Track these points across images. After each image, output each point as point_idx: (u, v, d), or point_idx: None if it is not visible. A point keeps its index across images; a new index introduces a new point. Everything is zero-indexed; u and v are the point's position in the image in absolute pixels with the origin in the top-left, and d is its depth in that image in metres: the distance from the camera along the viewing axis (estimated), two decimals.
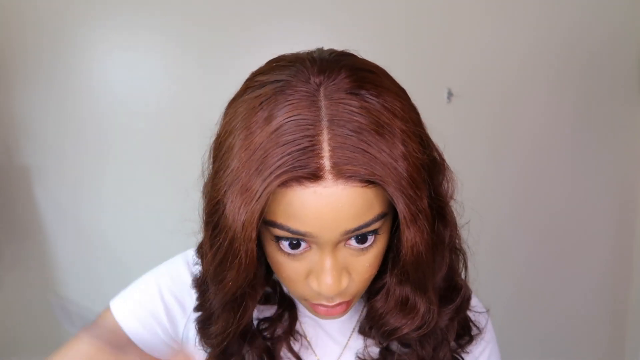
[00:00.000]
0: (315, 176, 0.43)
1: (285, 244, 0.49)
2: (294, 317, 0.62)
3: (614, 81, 1.68)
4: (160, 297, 0.62)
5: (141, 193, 1.60)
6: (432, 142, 0.53)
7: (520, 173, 1.71)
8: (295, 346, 0.62)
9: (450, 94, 1.58)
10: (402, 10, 1.54)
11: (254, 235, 0.45)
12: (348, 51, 0.52)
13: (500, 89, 1.63)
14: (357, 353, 0.62)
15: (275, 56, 0.52)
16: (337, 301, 0.52)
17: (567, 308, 1.83)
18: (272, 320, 0.61)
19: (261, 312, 0.62)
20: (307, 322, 0.63)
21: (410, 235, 0.46)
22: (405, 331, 0.54)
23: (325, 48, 0.53)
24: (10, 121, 1.53)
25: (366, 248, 0.49)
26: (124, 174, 1.58)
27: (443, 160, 0.54)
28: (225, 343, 0.56)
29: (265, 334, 0.61)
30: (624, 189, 1.78)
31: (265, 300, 0.61)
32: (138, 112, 1.55)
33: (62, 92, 1.51)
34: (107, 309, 0.62)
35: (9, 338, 1.69)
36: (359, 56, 0.52)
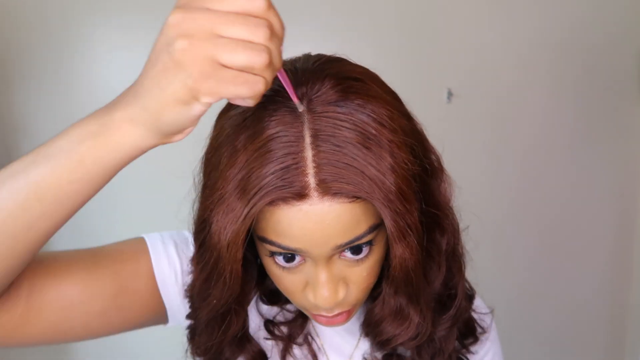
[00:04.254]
0: (300, 195, 0.42)
1: (279, 259, 0.48)
2: (305, 318, 0.62)
3: (614, 81, 1.68)
4: (179, 259, 0.60)
5: (140, 193, 1.60)
6: (429, 146, 0.52)
7: (520, 173, 1.71)
8: (310, 345, 0.62)
9: (450, 94, 1.58)
10: (402, 10, 1.54)
11: (239, 256, 0.45)
12: (336, 55, 0.51)
13: (500, 88, 1.63)
14: (364, 354, 0.62)
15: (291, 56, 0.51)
16: (337, 311, 0.51)
17: (567, 308, 1.83)
18: (286, 322, 0.62)
19: (276, 312, 0.62)
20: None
21: (398, 252, 0.45)
22: (399, 341, 0.54)
23: (318, 51, 0.51)
24: (10, 121, 1.53)
25: (362, 259, 0.49)
26: (123, 173, 1.58)
27: (441, 165, 0.53)
28: (210, 354, 0.56)
29: (278, 332, 0.61)
30: (624, 189, 1.78)
31: (279, 299, 0.61)
32: None
33: (63, 92, 1.51)
34: (140, 237, 0.61)
35: None
36: (349, 60, 0.50)
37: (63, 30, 1.48)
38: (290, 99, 0.43)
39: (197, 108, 0.37)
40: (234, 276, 0.46)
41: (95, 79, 1.51)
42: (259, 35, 0.34)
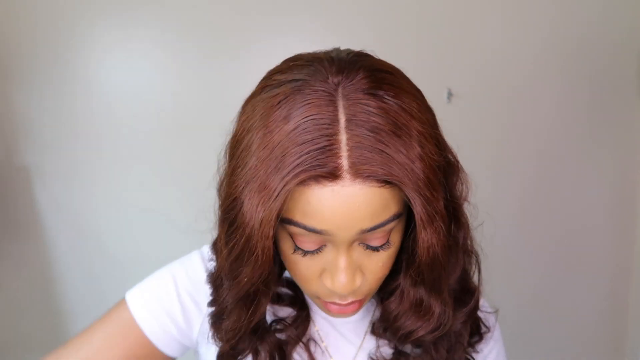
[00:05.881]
0: (333, 175, 0.43)
1: None
2: (307, 320, 0.63)
3: (615, 81, 1.68)
4: (177, 296, 0.62)
5: (141, 193, 1.60)
6: (446, 144, 0.53)
7: (520, 172, 1.71)
8: (311, 348, 0.62)
9: (450, 94, 1.58)
10: (402, 9, 1.54)
11: (271, 233, 0.45)
12: (365, 51, 0.52)
13: (500, 89, 1.63)
14: (369, 354, 0.62)
15: (291, 55, 0.52)
16: (350, 300, 0.52)
17: (568, 308, 1.83)
18: (285, 323, 0.62)
19: (276, 311, 0.63)
20: (321, 322, 0.64)
21: (427, 237, 0.46)
22: (420, 334, 0.54)
23: (342, 48, 0.53)
24: (10, 121, 1.53)
25: (380, 248, 0.50)
26: (124, 173, 1.59)
27: (457, 162, 0.54)
28: (237, 338, 0.57)
29: (278, 335, 0.61)
30: (626, 189, 1.78)
31: (280, 300, 0.62)
32: (138, 112, 1.55)
33: (62, 92, 1.51)
34: (123, 300, 0.62)
35: (7, 337, 1.69)
36: (376, 57, 0.52)
37: (62, 30, 1.48)
38: (324, 84, 0.44)
39: None
40: (266, 253, 0.46)
41: (94, 79, 1.52)
42: None
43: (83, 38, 1.49)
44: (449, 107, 1.59)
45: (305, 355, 0.62)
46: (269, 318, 0.62)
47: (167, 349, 0.61)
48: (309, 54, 0.51)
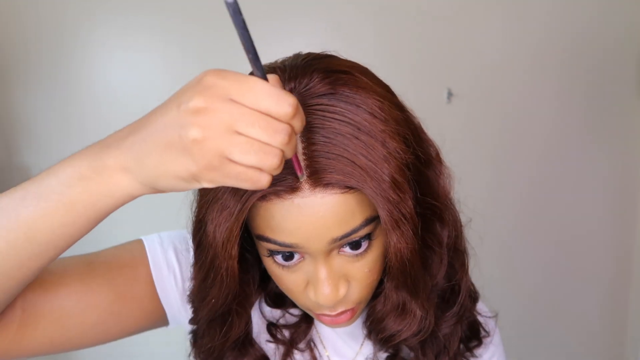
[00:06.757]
0: (291, 188, 0.42)
1: (278, 257, 0.48)
2: (310, 323, 0.62)
3: (614, 82, 1.68)
4: (173, 247, 0.60)
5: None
6: (425, 138, 0.51)
7: (520, 173, 1.71)
8: (312, 351, 0.62)
9: (450, 94, 1.58)
10: (402, 10, 1.54)
11: (234, 252, 0.45)
12: (327, 52, 0.51)
13: (500, 89, 1.63)
14: (366, 358, 0.61)
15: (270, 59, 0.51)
16: (340, 310, 0.50)
17: (567, 308, 1.83)
18: (289, 326, 0.61)
19: (280, 315, 0.62)
20: (322, 327, 0.63)
21: (393, 241, 0.45)
22: (403, 337, 0.53)
23: (319, 49, 0.52)
24: (10, 121, 1.53)
25: (361, 254, 0.48)
26: None
27: (439, 157, 0.52)
28: (214, 356, 0.56)
29: (280, 336, 0.60)
30: (624, 188, 1.78)
31: (282, 303, 0.61)
32: (139, 113, 1.54)
33: (63, 92, 1.51)
34: (137, 239, 0.60)
35: None
36: (340, 56, 0.50)
37: (63, 30, 1.48)
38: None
39: (195, 185, 0.37)
40: (230, 273, 0.46)
41: (95, 79, 1.52)
42: (277, 140, 0.34)
43: (84, 38, 1.49)
44: (449, 107, 1.59)
45: (307, 356, 0.61)
46: (274, 319, 0.62)
47: (164, 296, 0.58)
48: (266, 64, 0.49)
